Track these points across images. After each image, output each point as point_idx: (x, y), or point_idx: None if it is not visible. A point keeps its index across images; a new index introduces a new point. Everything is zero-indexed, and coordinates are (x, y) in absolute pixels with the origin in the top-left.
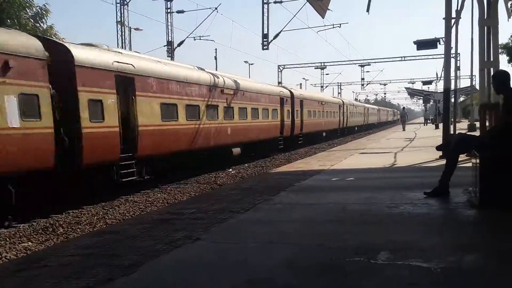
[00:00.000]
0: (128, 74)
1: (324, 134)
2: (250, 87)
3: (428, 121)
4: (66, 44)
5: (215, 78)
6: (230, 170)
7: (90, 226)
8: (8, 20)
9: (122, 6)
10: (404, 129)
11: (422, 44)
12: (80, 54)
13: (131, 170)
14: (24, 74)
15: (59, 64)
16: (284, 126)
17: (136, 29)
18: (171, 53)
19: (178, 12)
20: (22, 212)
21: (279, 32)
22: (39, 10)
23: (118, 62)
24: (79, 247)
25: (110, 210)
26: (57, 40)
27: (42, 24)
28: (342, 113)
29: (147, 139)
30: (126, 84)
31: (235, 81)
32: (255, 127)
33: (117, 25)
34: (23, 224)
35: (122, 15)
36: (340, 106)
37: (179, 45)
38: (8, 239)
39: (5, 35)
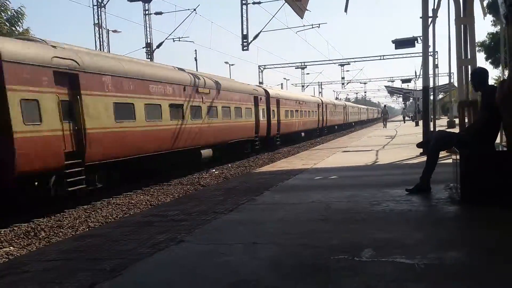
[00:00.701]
0: (72, 70)
1: (302, 134)
2: (225, 87)
3: (406, 118)
4: None
5: (183, 75)
6: (214, 170)
7: (73, 230)
8: None
9: (99, 9)
10: (385, 127)
11: (400, 43)
12: (10, 48)
13: (80, 178)
14: None
15: None
16: (259, 127)
17: (114, 31)
18: (150, 55)
19: (156, 13)
20: (3, 216)
21: (259, 33)
22: (14, 13)
23: (58, 57)
24: (62, 252)
25: (93, 213)
26: None
27: (18, 28)
28: (321, 112)
29: (97, 143)
30: (69, 82)
31: (205, 79)
32: (227, 127)
33: (94, 27)
34: (4, 229)
35: (100, 17)
36: (319, 105)
37: (158, 46)
38: None
39: None
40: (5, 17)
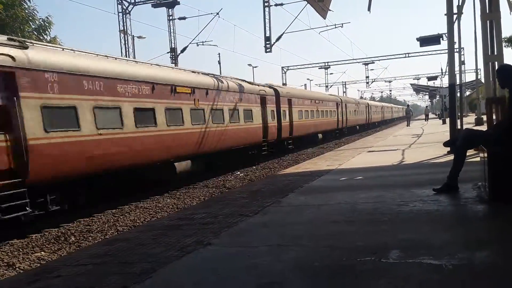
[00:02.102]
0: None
1: (320, 136)
2: (212, 85)
3: (431, 116)
4: None
5: (156, 72)
6: (238, 173)
7: (102, 234)
8: (12, 34)
9: (124, 15)
10: (408, 125)
11: (425, 41)
12: None
13: (21, 202)
14: None
15: None
16: (268, 130)
17: (139, 37)
18: (174, 60)
19: (180, 18)
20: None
21: (282, 34)
22: (42, 22)
23: None
24: (92, 256)
25: (121, 217)
26: None
27: (46, 36)
28: (340, 112)
29: (43, 157)
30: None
31: (191, 76)
32: (220, 133)
33: (120, 34)
34: (35, 234)
35: (125, 24)
36: (338, 104)
37: (182, 51)
38: (21, 250)
39: None
40: (33, 26)
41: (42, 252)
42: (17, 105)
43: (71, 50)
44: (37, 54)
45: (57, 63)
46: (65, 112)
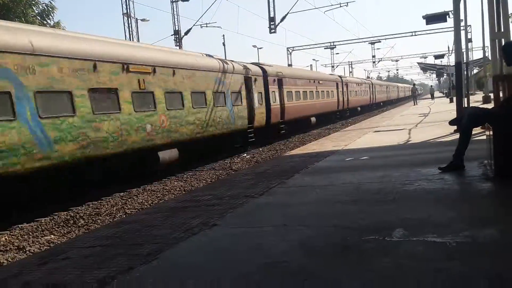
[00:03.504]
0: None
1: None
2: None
3: (439, 95)
4: None
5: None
6: (245, 155)
7: (110, 217)
8: (16, 19)
9: None
10: (415, 104)
11: (431, 19)
12: None
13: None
14: None
15: None
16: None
17: (143, 20)
18: (179, 42)
19: (183, 0)
20: (42, 206)
21: (286, 15)
22: (45, 7)
23: None
24: (100, 238)
25: (129, 200)
26: None
27: (49, 21)
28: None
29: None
30: None
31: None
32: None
33: (123, 17)
34: (44, 218)
35: (128, 7)
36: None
37: (186, 33)
38: (31, 233)
39: None
40: (36, 11)
41: (52, 236)
42: None
43: None
44: None
45: None
46: None
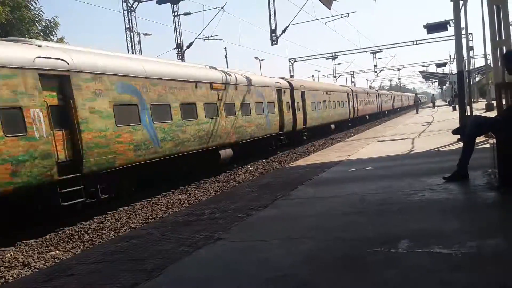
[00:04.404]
0: None
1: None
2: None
3: (441, 103)
4: None
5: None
6: (249, 166)
7: (115, 231)
8: (20, 36)
9: (129, 13)
10: (417, 112)
11: (432, 28)
12: None
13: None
14: None
15: None
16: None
17: (145, 34)
18: (181, 55)
19: (185, 14)
20: (47, 221)
21: (287, 27)
22: (48, 23)
23: None
24: (104, 254)
25: (133, 214)
26: None
27: (52, 37)
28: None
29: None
30: None
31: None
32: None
33: (125, 31)
34: (49, 233)
35: (130, 21)
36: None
37: (188, 47)
38: (36, 249)
39: None
40: (39, 28)
41: (57, 251)
42: None
43: None
44: None
45: None
46: None
